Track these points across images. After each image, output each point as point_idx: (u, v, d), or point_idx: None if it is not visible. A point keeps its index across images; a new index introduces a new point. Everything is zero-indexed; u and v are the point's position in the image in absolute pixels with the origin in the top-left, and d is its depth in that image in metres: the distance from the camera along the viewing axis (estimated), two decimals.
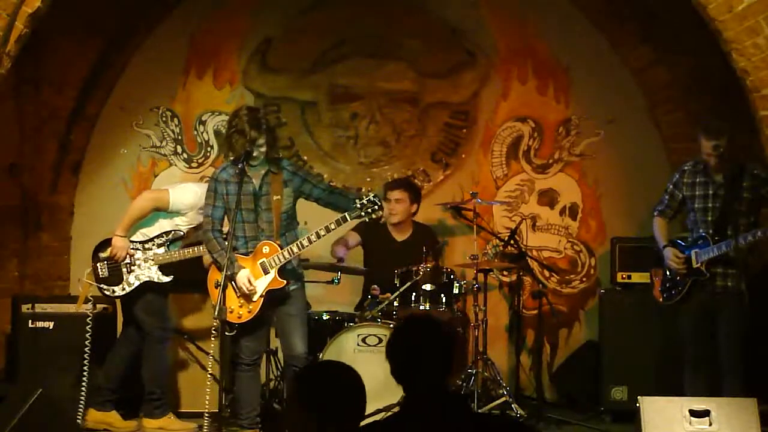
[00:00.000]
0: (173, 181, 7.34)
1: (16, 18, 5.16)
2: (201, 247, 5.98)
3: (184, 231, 6.05)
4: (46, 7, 5.26)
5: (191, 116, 7.46)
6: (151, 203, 5.98)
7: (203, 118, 7.47)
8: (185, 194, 5.99)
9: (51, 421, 4.33)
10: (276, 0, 7.42)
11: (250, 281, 5.37)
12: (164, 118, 7.45)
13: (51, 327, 6.36)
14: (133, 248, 5.95)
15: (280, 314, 5.56)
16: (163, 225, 6.01)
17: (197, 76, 7.45)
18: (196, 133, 7.47)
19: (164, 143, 7.44)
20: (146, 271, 5.96)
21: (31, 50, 5.84)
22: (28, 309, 6.38)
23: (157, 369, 6.06)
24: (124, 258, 5.92)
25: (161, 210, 5.99)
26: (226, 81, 7.46)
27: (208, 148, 7.46)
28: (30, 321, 6.36)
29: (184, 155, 7.47)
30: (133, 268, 5.95)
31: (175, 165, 7.45)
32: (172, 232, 6.01)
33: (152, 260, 5.95)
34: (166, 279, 5.99)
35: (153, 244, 5.98)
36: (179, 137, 7.46)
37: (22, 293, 6.77)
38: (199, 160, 7.47)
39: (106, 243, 5.97)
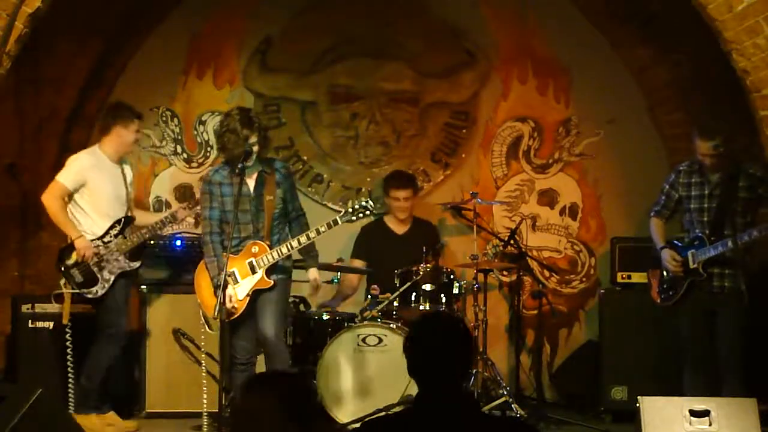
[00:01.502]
0: (173, 180, 7.38)
1: (16, 18, 5.15)
2: (154, 222, 6.07)
3: (129, 214, 6.08)
4: (46, 7, 5.25)
5: (191, 116, 7.46)
6: (56, 198, 5.93)
7: (203, 118, 7.47)
8: (68, 169, 5.99)
9: (51, 421, 4.32)
10: (276, 0, 7.42)
11: (231, 299, 5.41)
12: (164, 118, 7.45)
13: (51, 327, 6.36)
14: (95, 246, 5.96)
15: (260, 300, 5.56)
16: (82, 205, 5.97)
17: (197, 76, 7.45)
18: (196, 133, 7.47)
19: (164, 143, 7.44)
20: (116, 263, 5.97)
21: (31, 50, 5.83)
22: (28, 309, 6.38)
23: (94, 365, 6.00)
24: (92, 257, 5.92)
25: (70, 195, 5.97)
26: (226, 81, 7.46)
27: (208, 148, 7.45)
28: (30, 321, 6.37)
29: (184, 155, 7.47)
30: (102, 264, 5.95)
31: (175, 165, 7.45)
32: (122, 219, 6.04)
33: (117, 251, 5.97)
34: (137, 264, 6.06)
35: (110, 237, 6.00)
36: (179, 137, 7.45)
37: (22, 293, 6.77)
38: (199, 160, 7.47)
39: (67, 251, 5.95)
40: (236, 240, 5.48)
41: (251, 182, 5.50)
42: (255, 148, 5.42)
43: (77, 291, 5.94)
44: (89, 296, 5.97)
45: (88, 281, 5.94)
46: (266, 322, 5.52)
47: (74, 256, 5.92)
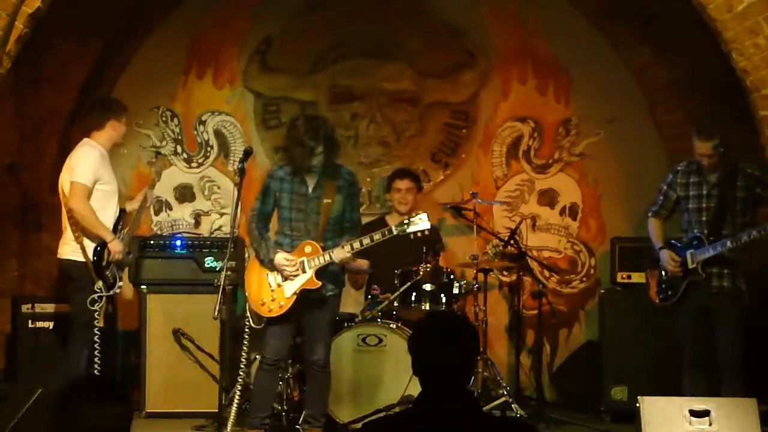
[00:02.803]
0: (173, 180, 7.37)
1: (16, 18, 5.15)
2: (134, 209, 6.03)
3: (118, 208, 5.99)
4: (46, 7, 5.25)
5: (191, 116, 7.46)
6: (86, 200, 5.76)
7: (203, 118, 7.47)
8: (84, 167, 5.79)
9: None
10: (276, 0, 7.43)
11: (287, 260, 5.37)
12: (164, 118, 7.45)
13: (51, 327, 6.37)
14: None
15: (311, 316, 5.51)
16: (106, 197, 5.86)
17: (197, 76, 7.45)
18: (196, 133, 7.47)
19: (164, 143, 7.44)
20: (122, 260, 5.89)
21: (31, 50, 5.83)
22: (28, 309, 6.38)
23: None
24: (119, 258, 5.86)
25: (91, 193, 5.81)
26: (226, 81, 7.46)
27: (208, 148, 7.46)
28: (30, 321, 6.38)
29: (184, 155, 7.46)
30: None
31: (175, 165, 7.44)
32: (121, 211, 5.96)
33: (124, 245, 5.90)
34: (129, 256, 6.01)
35: (119, 233, 5.90)
36: (179, 137, 7.45)
37: (22, 293, 6.77)
38: (199, 160, 7.47)
39: (101, 252, 5.76)
40: (288, 239, 5.47)
41: (311, 183, 5.48)
42: (321, 158, 5.38)
43: (109, 293, 5.76)
44: (111, 295, 5.82)
45: (114, 281, 5.83)
46: (317, 346, 5.48)
47: (105, 257, 5.76)
